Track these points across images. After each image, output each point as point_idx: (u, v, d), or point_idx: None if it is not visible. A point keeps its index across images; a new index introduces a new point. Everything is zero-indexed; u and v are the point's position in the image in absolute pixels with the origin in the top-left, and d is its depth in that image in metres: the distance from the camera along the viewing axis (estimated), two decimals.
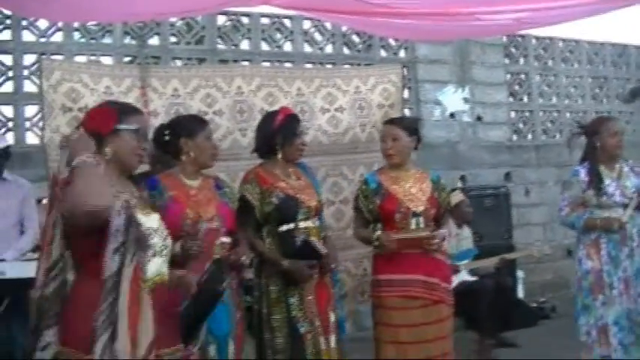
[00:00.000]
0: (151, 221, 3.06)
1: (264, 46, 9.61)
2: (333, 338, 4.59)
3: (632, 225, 5.44)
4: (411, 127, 5.03)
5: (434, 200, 4.94)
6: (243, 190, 4.65)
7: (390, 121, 5.08)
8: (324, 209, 5.06)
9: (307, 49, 9.89)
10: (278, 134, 4.71)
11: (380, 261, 4.91)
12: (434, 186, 5.00)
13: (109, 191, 2.96)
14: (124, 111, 3.22)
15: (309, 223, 4.63)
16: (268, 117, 4.89)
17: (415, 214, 4.83)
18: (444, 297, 4.85)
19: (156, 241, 3.03)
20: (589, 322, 5.41)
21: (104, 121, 3.13)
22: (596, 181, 5.45)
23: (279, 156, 4.71)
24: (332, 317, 4.64)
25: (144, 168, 4.21)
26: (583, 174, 5.52)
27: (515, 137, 11.67)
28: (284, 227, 4.59)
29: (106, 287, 2.90)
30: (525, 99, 11.86)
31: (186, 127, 4.31)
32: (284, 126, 4.73)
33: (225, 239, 4.09)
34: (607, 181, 5.46)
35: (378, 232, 4.80)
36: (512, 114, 11.69)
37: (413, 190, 4.89)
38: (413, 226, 4.82)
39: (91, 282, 2.94)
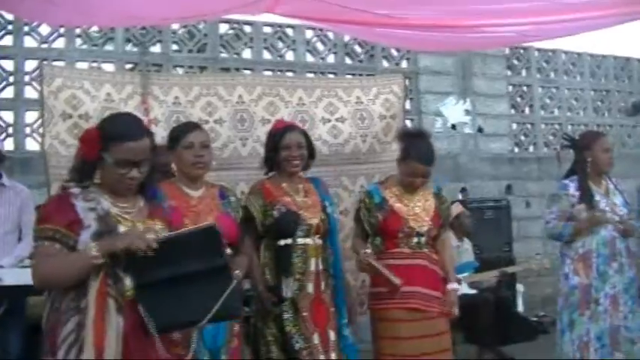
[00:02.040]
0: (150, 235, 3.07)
1: (266, 55, 9.63)
2: (333, 356, 4.55)
3: (621, 241, 5.44)
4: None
5: (436, 217, 4.93)
6: (246, 200, 4.67)
7: (424, 160, 4.80)
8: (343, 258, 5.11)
9: (309, 58, 9.92)
10: (268, 150, 4.80)
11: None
12: (436, 200, 5.00)
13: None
14: (111, 137, 3.08)
15: (308, 240, 4.61)
16: (267, 133, 4.94)
17: (418, 234, 4.82)
18: (442, 309, 4.82)
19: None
20: (572, 338, 5.39)
21: (89, 149, 3.09)
22: (587, 196, 5.44)
23: (279, 169, 4.75)
24: (332, 335, 4.59)
25: None
26: (572, 188, 5.52)
27: (516, 149, 11.68)
28: (282, 242, 4.58)
29: (67, 299, 2.96)
30: (527, 111, 11.89)
31: (168, 140, 4.31)
32: (270, 140, 4.79)
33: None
34: (597, 197, 5.47)
35: (367, 251, 4.72)
36: (514, 126, 11.72)
37: (417, 210, 4.87)
38: (414, 243, 4.81)
39: (61, 296, 3.01)
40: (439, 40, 6.33)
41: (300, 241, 4.58)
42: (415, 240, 4.81)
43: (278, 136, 4.72)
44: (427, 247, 4.86)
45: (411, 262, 4.79)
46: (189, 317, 3.07)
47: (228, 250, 4.01)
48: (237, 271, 3.93)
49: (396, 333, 4.71)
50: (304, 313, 4.50)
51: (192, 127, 4.41)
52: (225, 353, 4.18)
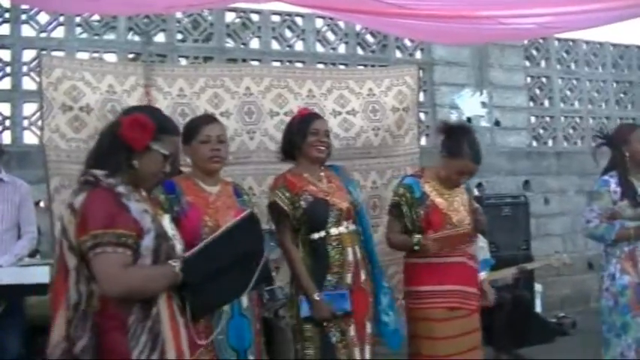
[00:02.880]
0: (168, 227, 3.12)
1: (275, 45, 9.62)
2: (368, 349, 4.61)
3: None
4: None
5: (472, 211, 5.05)
6: (273, 196, 4.64)
7: (477, 158, 4.87)
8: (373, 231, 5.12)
9: (319, 48, 9.89)
10: (292, 136, 4.76)
11: (415, 271, 4.93)
12: (468, 195, 5.11)
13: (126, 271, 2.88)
14: (163, 129, 3.11)
15: (341, 229, 4.62)
16: (289, 121, 4.95)
17: None
18: (478, 306, 4.94)
19: (179, 247, 3.12)
20: (627, 342, 5.25)
21: (142, 136, 3.03)
22: (630, 192, 5.36)
23: (301, 158, 4.75)
24: (368, 327, 4.65)
25: None
26: (613, 184, 5.41)
27: (535, 143, 11.63)
28: (315, 235, 4.59)
29: (135, 309, 2.90)
30: (546, 103, 11.84)
31: (184, 133, 4.27)
32: (296, 126, 4.76)
33: None
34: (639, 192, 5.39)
35: (418, 236, 4.77)
36: (532, 119, 11.66)
37: (455, 204, 4.95)
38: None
39: (123, 308, 2.91)
40: (454, 32, 6.31)
41: (333, 231, 4.60)
42: None
43: (306, 121, 4.75)
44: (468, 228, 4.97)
45: (452, 260, 4.86)
46: (230, 295, 3.29)
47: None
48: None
49: (433, 333, 4.76)
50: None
51: (208, 120, 4.45)
52: (253, 354, 4.19)
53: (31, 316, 5.75)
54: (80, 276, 2.91)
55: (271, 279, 3.65)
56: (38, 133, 7.75)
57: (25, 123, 8.20)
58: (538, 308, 9.49)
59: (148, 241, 2.93)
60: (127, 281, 2.86)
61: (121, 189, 2.95)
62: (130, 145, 3.02)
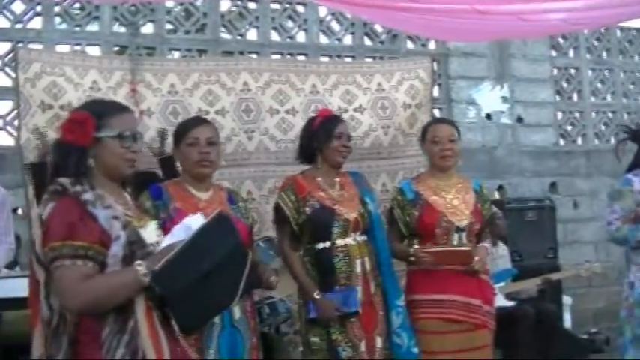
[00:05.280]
0: (149, 235, 3.14)
1: (274, 37, 9.63)
2: None
3: None
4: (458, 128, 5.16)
5: (478, 213, 5.02)
6: (278, 198, 4.79)
7: (443, 121, 5.24)
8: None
9: (323, 39, 9.91)
10: (314, 138, 4.84)
11: (415, 279, 4.98)
12: (477, 196, 5.09)
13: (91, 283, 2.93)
14: (103, 114, 3.16)
15: (348, 240, 4.73)
16: (308, 121, 5.06)
17: (458, 229, 4.92)
18: (485, 321, 4.91)
19: None
20: (636, 356, 5.28)
21: (83, 131, 3.08)
22: None
23: (320, 161, 4.85)
24: (378, 342, 4.71)
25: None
26: (637, 183, 5.43)
27: (562, 142, 11.61)
28: (320, 245, 4.70)
29: (109, 322, 2.95)
30: (575, 97, 11.82)
31: (173, 137, 4.44)
32: (320, 128, 4.85)
33: None
34: None
35: (416, 247, 4.90)
36: (559, 115, 11.65)
37: (455, 202, 4.98)
38: (455, 242, 4.91)
39: (97, 321, 2.96)
40: (471, 29, 6.29)
41: (339, 242, 4.71)
42: (456, 237, 4.92)
43: (330, 124, 4.87)
44: (470, 246, 4.94)
45: (450, 265, 4.86)
46: (217, 304, 3.26)
47: None
48: (273, 278, 4.08)
49: (429, 347, 4.80)
50: (352, 319, 4.61)
51: (197, 122, 4.53)
52: None
53: (8, 333, 5.77)
54: (50, 290, 3.00)
55: (260, 282, 3.72)
56: (15, 133, 7.78)
57: (0, 123, 8.22)
58: (567, 323, 9.44)
59: (116, 249, 2.98)
60: (84, 294, 2.90)
61: (87, 196, 3.01)
62: (79, 145, 3.09)
